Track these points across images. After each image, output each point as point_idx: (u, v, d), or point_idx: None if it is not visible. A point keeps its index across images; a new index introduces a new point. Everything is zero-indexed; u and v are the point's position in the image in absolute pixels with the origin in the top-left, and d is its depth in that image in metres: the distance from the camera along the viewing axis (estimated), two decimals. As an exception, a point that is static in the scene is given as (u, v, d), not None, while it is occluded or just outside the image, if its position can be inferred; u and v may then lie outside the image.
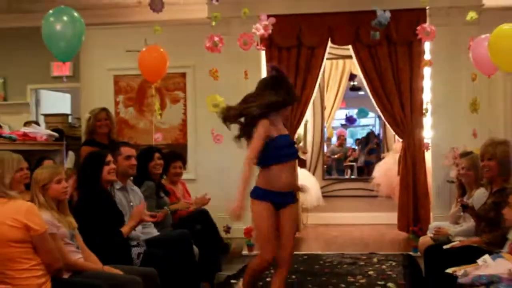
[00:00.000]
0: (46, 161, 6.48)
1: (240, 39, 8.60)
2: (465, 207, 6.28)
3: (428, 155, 10.72)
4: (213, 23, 8.25)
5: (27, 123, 10.58)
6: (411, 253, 8.88)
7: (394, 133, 11.40)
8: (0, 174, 4.82)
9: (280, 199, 5.47)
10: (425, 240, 6.87)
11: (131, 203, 6.52)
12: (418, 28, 8.81)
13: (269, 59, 10.74)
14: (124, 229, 6.09)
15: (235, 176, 9.79)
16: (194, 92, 10.99)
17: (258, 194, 5.47)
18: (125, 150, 6.73)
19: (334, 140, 14.99)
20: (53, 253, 4.83)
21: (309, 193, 12.03)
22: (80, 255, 5.34)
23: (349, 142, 15.17)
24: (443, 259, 5.54)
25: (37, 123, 10.89)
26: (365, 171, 14.19)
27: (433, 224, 7.65)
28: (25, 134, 9.03)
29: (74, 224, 5.39)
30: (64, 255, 5.07)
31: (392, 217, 11.28)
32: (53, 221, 5.11)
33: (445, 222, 7.26)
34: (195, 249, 6.91)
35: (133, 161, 6.76)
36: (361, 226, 12.25)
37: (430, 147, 10.59)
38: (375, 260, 8.78)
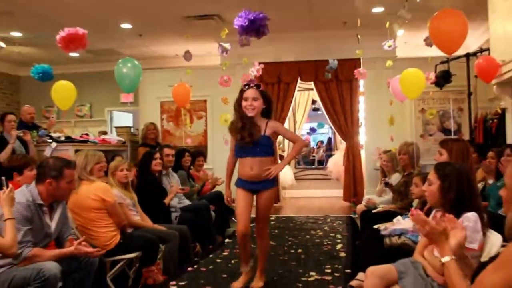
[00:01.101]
0: (116, 157, 6.47)
1: (242, 77, 8.62)
2: (387, 185, 6.31)
3: (362, 152, 10.76)
4: (224, 68, 8.24)
5: (101, 132, 10.63)
6: (351, 215, 8.88)
7: (340, 138, 11.42)
8: (84, 164, 4.82)
9: (250, 186, 4.50)
10: (361, 207, 6.86)
11: (171, 184, 6.52)
12: (355, 71, 8.80)
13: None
14: (166, 200, 6.10)
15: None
16: (212, 112, 11.01)
17: (236, 182, 4.60)
18: (166, 150, 6.73)
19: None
20: (120, 216, 4.84)
21: (286, 176, 12.10)
22: (139, 217, 5.34)
23: (312, 144, 15.15)
24: (372, 219, 5.54)
25: (105, 133, 10.91)
26: (322, 162, 14.19)
27: (366, 197, 7.63)
28: (103, 140, 9.01)
29: (135, 197, 5.40)
30: (128, 217, 5.09)
31: (339, 192, 11.34)
32: (121, 195, 5.13)
33: (373, 195, 7.26)
34: (212, 213, 6.93)
35: (170, 158, 6.78)
36: (319, 198, 12.25)
37: (363, 147, 10.63)
38: (328, 220, 8.78)
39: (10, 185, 3.47)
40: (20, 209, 3.53)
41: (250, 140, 4.37)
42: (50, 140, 7.61)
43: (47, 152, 7.29)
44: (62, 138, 8.00)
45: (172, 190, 6.26)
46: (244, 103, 4.38)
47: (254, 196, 4.55)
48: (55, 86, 8.03)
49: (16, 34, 9.89)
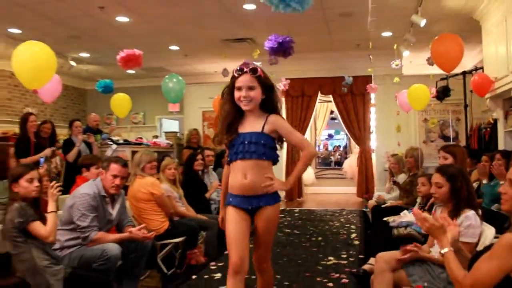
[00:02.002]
0: (166, 157, 6.55)
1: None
2: (395, 183, 6.24)
3: (373, 155, 10.68)
4: (256, 83, 8.28)
5: (154, 136, 10.75)
6: (364, 209, 8.82)
7: (354, 143, 11.35)
8: (138, 162, 4.86)
9: (244, 203, 2.75)
10: (372, 202, 6.80)
11: (211, 181, 6.55)
12: (367, 86, 8.78)
13: (287, 103, 10.81)
14: (207, 194, 6.13)
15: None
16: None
17: (226, 198, 2.91)
18: (207, 152, 6.75)
19: (322, 147, 14.95)
20: (167, 206, 4.86)
21: (308, 175, 12.06)
22: (184, 208, 5.37)
23: (330, 148, 15.08)
24: (381, 213, 5.50)
25: (157, 136, 11.03)
26: (339, 164, 14.11)
27: (376, 193, 7.60)
28: (154, 142, 9.11)
29: (181, 191, 5.42)
30: (175, 208, 5.12)
31: (353, 189, 11.26)
32: (169, 189, 5.17)
33: (382, 192, 7.20)
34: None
35: (211, 158, 6.80)
36: (336, 194, 12.18)
37: (374, 151, 10.55)
38: (344, 213, 8.73)
39: (54, 182, 3.48)
40: (88, 199, 3.60)
41: (242, 133, 2.77)
42: (111, 143, 7.74)
43: (108, 152, 7.42)
44: (121, 141, 8.12)
45: (213, 186, 6.29)
46: (237, 94, 2.73)
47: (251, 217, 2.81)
48: (114, 97, 8.19)
49: (84, 54, 10.08)
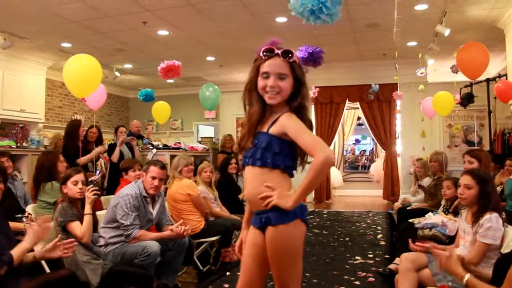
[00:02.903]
0: (204, 161, 6.61)
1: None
2: (420, 186, 6.15)
3: (399, 160, 10.54)
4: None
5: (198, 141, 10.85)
6: (390, 211, 8.69)
7: (381, 147, 11.22)
8: (176, 165, 4.90)
9: (254, 218, 2.10)
10: (397, 204, 6.71)
11: (244, 183, 6.57)
12: (393, 93, 8.67)
13: (316, 110, 10.79)
14: (240, 196, 6.15)
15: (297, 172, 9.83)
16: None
17: None
18: (240, 156, 6.76)
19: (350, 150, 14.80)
20: (203, 206, 4.88)
21: (336, 178, 11.98)
22: (219, 209, 5.39)
23: (357, 152, 14.92)
24: (406, 215, 5.42)
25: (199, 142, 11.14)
26: (365, 167, 13.96)
27: (401, 196, 7.51)
28: (192, 147, 9.20)
29: (216, 193, 5.45)
30: (210, 208, 5.15)
31: (379, 192, 11.12)
32: (205, 190, 5.20)
33: (407, 195, 7.09)
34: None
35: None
36: (363, 196, 12.06)
37: (400, 155, 10.41)
38: (370, 215, 8.63)
39: (90, 186, 3.51)
40: (130, 199, 3.67)
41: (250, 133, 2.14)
42: (152, 147, 7.85)
43: (149, 156, 7.54)
44: (160, 146, 8.23)
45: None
46: (261, 82, 2.06)
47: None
48: (155, 105, 8.32)
49: (127, 65, 10.27)
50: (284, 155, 2.04)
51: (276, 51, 2.03)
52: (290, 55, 2.03)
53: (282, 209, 1.96)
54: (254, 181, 2.05)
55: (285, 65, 2.03)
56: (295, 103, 2.07)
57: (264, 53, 2.04)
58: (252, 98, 2.10)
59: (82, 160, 5.88)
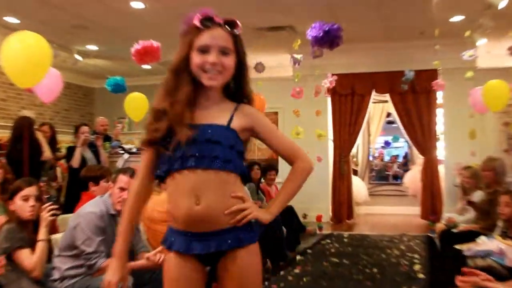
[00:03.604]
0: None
1: (315, 90, 8.67)
2: (469, 203, 6.14)
3: (441, 168, 10.53)
4: (296, 80, 8.26)
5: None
6: (429, 234, 8.64)
7: (417, 152, 11.20)
8: None
9: (198, 245, 2.02)
10: (440, 226, 6.68)
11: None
12: (433, 82, 8.64)
13: (333, 103, 10.80)
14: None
15: (309, 180, 9.78)
16: (283, 125, 11.02)
17: (164, 237, 2.18)
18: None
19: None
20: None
21: (359, 192, 11.95)
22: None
23: (386, 159, 14.91)
24: (452, 239, 5.39)
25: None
26: (397, 177, 13.95)
27: (445, 215, 7.45)
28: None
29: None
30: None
31: (416, 210, 11.09)
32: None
33: (453, 213, 7.05)
34: (283, 229, 6.92)
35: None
36: (395, 215, 12.01)
37: (442, 162, 10.41)
38: (405, 239, 8.59)
39: (46, 205, 3.47)
40: (94, 219, 3.63)
41: (194, 125, 2.04)
42: (123, 152, 7.83)
43: (120, 163, 7.52)
44: (134, 150, 8.21)
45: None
46: (198, 59, 2.04)
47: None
48: (128, 98, 8.29)
49: (91, 47, 10.25)
50: (243, 159, 2.12)
51: (217, 19, 2.06)
52: (235, 25, 2.08)
53: (250, 225, 2.05)
54: (213, 190, 2.00)
55: (229, 38, 2.07)
56: (241, 91, 2.15)
57: (202, 22, 2.05)
58: (181, 82, 2.06)
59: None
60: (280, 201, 2.18)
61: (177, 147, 2.00)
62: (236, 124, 2.08)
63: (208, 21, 2.05)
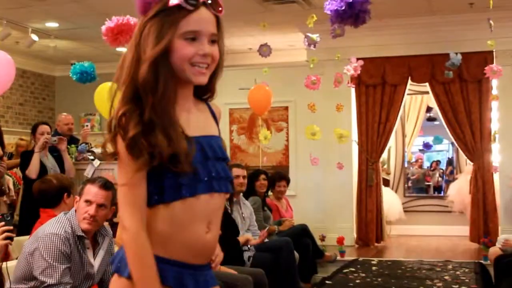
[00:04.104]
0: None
1: (335, 78, 8.67)
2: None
3: (496, 176, 10.49)
4: (311, 66, 8.29)
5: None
6: (482, 261, 8.63)
7: (466, 157, 11.19)
8: None
9: (197, 279, 2.12)
10: (495, 250, 6.68)
11: (243, 214, 6.58)
12: (486, 68, 8.64)
13: (358, 95, 10.79)
14: (241, 239, 6.15)
15: (328, 192, 9.83)
16: (295, 122, 11.06)
17: (162, 271, 2.08)
18: (235, 171, 6.78)
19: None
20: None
21: (392, 208, 11.95)
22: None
23: (426, 165, 14.91)
24: (510, 267, 5.38)
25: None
26: (440, 189, 13.95)
27: (502, 237, 7.45)
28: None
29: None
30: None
31: (464, 230, 11.07)
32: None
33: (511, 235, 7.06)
34: (296, 254, 6.93)
35: (241, 180, 6.83)
36: (437, 237, 12.00)
37: (497, 170, 10.38)
38: (450, 267, 8.57)
39: (2, 223, 3.48)
40: (56, 243, 3.63)
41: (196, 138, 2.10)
42: (92, 157, 7.84)
43: (88, 171, 7.52)
44: (107, 155, 8.23)
45: (260, 235, 6.39)
46: (187, 49, 2.02)
47: None
48: (98, 89, 8.29)
49: (52, 24, 10.26)
50: None
51: None
52: (218, 4, 2.09)
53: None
54: (219, 217, 2.15)
55: (214, 22, 2.08)
56: (211, 85, 2.17)
57: (188, 1, 2.00)
58: (166, 80, 2.02)
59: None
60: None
61: (194, 167, 2.00)
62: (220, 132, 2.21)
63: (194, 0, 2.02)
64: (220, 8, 2.09)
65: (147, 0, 2.04)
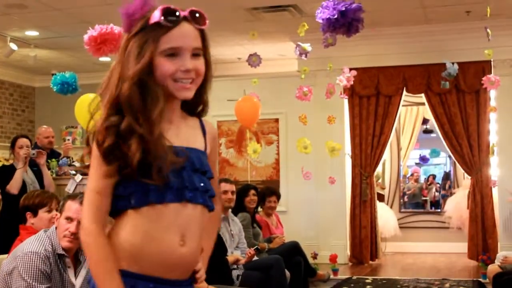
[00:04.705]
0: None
1: (326, 88, 8.68)
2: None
3: (495, 191, 10.52)
4: (302, 76, 8.31)
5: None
6: (480, 279, 8.65)
7: (463, 171, 11.22)
8: None
9: None
10: (494, 268, 6.69)
11: (232, 231, 6.58)
12: (484, 78, 8.68)
13: (351, 107, 10.81)
14: (230, 259, 6.15)
15: (320, 208, 9.82)
16: (286, 135, 11.06)
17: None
18: (223, 186, 6.78)
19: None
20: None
21: (387, 224, 11.96)
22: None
23: (422, 179, 14.94)
24: (510, 285, 5.40)
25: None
26: (437, 204, 13.97)
27: (501, 253, 7.47)
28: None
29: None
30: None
31: (462, 247, 11.09)
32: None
33: (511, 251, 7.08)
34: (287, 272, 6.93)
35: (230, 195, 6.83)
36: (434, 254, 12.02)
37: (496, 184, 10.41)
38: (447, 285, 8.58)
39: None
40: (36, 262, 3.62)
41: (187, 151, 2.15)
42: (74, 172, 7.83)
43: (70, 187, 7.51)
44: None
45: (247, 254, 6.39)
46: (167, 66, 2.07)
47: None
48: (79, 100, 8.28)
49: (32, 33, 10.26)
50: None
51: (182, 12, 2.11)
52: (202, 17, 2.15)
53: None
54: (199, 231, 2.17)
55: (198, 35, 2.15)
56: (201, 99, 2.27)
57: (167, 18, 2.07)
58: (152, 96, 2.07)
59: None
60: (205, 263, 2.39)
61: (165, 175, 2.04)
62: (208, 148, 2.27)
63: (173, 16, 2.08)
64: (203, 21, 2.15)
65: (132, 17, 2.09)
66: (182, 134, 2.17)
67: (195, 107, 2.28)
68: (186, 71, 2.08)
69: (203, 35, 2.16)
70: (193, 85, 2.13)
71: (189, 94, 2.13)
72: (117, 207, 2.09)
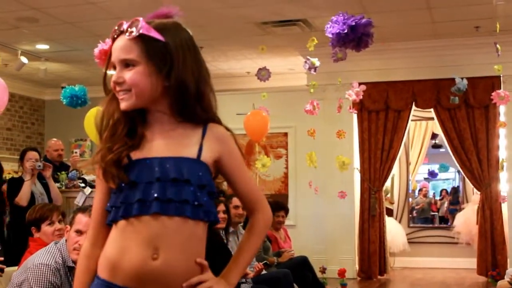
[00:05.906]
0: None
1: (338, 103, 8.70)
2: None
3: (504, 206, 10.50)
4: (311, 90, 8.32)
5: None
6: (490, 296, 8.64)
7: (472, 186, 11.20)
8: None
9: None
10: (503, 284, 6.66)
11: (240, 246, 6.58)
12: (493, 93, 8.68)
13: (360, 121, 10.82)
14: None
15: (328, 222, 9.81)
16: (294, 149, 11.07)
17: None
18: (235, 201, 6.74)
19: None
20: None
21: (395, 239, 11.93)
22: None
23: (431, 194, 14.91)
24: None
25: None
26: (446, 220, 13.93)
27: (511, 269, 7.44)
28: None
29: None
30: None
31: (471, 262, 11.05)
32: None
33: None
34: (295, 287, 6.91)
35: (240, 211, 6.79)
36: (443, 270, 11.97)
37: (506, 199, 10.39)
38: (456, 300, 8.57)
39: None
40: (46, 274, 3.64)
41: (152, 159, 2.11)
42: (83, 185, 7.84)
43: (79, 199, 7.51)
44: (98, 183, 8.23)
45: (256, 267, 6.38)
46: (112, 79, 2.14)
47: None
48: (89, 113, 8.31)
49: (42, 46, 10.30)
50: (213, 199, 2.19)
51: (121, 27, 2.12)
52: (131, 25, 2.09)
53: None
54: (176, 244, 2.06)
55: (132, 45, 2.09)
56: (190, 110, 2.15)
57: (113, 35, 2.14)
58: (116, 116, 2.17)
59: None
60: (241, 267, 2.28)
61: (126, 187, 2.07)
62: (207, 154, 2.14)
63: (117, 31, 2.14)
64: (130, 31, 2.09)
65: (102, 51, 2.28)
66: (171, 144, 2.12)
67: (190, 117, 2.17)
68: (113, 83, 2.09)
69: (145, 42, 2.09)
70: (128, 95, 2.09)
71: (125, 104, 2.09)
72: (107, 221, 2.14)
